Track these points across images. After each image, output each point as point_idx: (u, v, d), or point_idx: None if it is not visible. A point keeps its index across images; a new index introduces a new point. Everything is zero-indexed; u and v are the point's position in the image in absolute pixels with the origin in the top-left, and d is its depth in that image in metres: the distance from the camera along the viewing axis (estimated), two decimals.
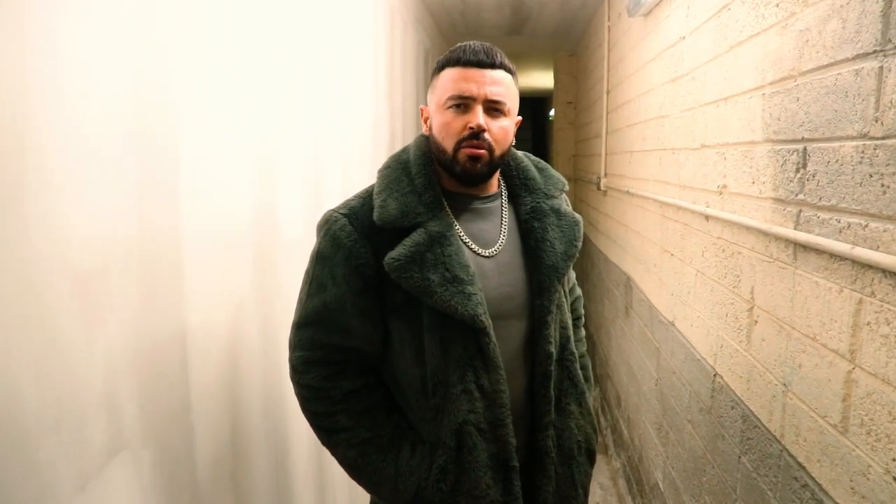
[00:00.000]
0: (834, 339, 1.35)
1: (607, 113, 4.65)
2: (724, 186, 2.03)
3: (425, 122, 1.49)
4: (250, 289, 1.76)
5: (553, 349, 1.48)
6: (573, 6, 5.21)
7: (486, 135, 1.37)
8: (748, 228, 1.82)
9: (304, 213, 2.15)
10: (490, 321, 1.37)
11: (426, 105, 1.50)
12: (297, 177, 2.12)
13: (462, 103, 1.38)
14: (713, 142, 2.16)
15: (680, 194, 2.59)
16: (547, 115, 13.27)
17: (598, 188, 4.80)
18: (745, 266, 1.85)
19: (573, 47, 7.30)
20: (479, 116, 1.36)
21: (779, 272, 1.63)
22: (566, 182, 1.63)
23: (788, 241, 1.56)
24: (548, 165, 1.64)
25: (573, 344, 1.58)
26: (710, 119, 2.20)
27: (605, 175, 4.66)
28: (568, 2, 5.10)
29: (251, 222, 1.75)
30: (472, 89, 1.37)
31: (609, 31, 4.60)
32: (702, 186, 2.28)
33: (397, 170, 1.46)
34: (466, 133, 1.37)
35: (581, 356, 1.68)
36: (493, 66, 1.40)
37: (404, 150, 1.52)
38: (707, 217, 2.20)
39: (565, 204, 1.59)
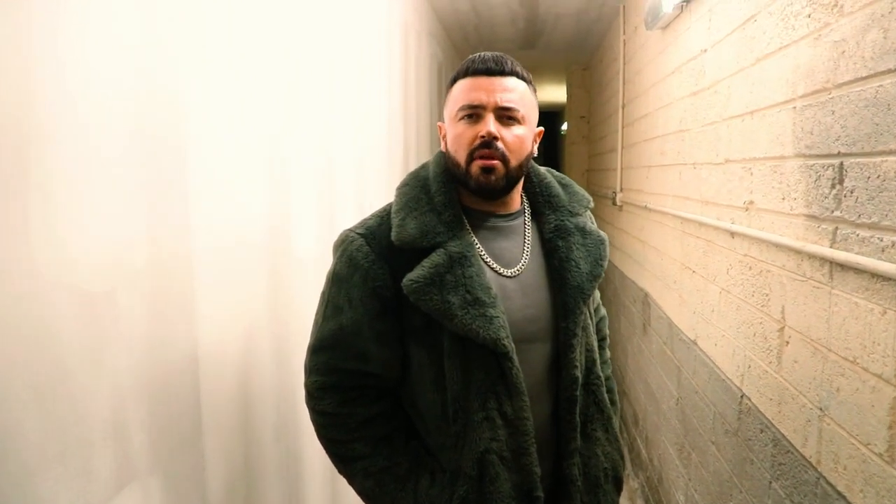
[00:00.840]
0: (877, 363, 1.28)
1: (623, 127, 4.60)
2: (751, 202, 1.97)
3: (443, 138, 1.43)
4: (264, 309, 1.71)
5: (579, 373, 1.41)
6: (588, 20, 5.18)
7: (499, 143, 1.31)
8: (778, 246, 1.75)
9: (317, 229, 2.11)
10: (513, 345, 1.31)
11: (443, 122, 1.45)
12: (309, 193, 2.07)
13: (473, 113, 1.32)
14: (738, 156, 2.10)
15: (702, 210, 2.52)
16: (559, 130, 13.25)
17: (614, 203, 4.74)
18: (775, 285, 1.78)
19: (587, 61, 7.27)
20: (489, 124, 1.30)
21: (813, 291, 1.56)
22: (591, 199, 1.57)
23: (824, 260, 1.50)
24: (572, 181, 1.58)
25: (599, 367, 1.51)
26: (734, 133, 2.14)
27: (621, 190, 4.60)
28: (583, 15, 5.06)
29: (264, 240, 1.70)
30: (481, 98, 1.32)
31: (625, 44, 4.56)
32: (726, 202, 2.21)
33: (416, 187, 1.40)
34: (478, 143, 1.31)
35: (606, 379, 1.61)
36: (503, 73, 1.34)
37: (423, 167, 1.46)
38: (732, 234, 2.14)
39: (590, 222, 1.53)
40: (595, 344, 1.52)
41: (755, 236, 1.90)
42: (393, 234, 1.32)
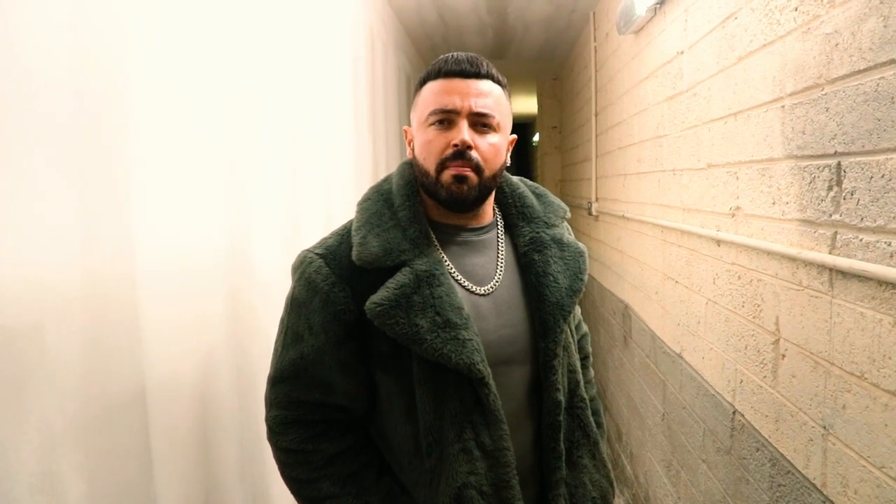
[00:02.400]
0: (889, 379, 1.18)
1: (596, 136, 4.52)
2: (738, 208, 1.88)
3: (409, 144, 1.32)
4: (222, 335, 1.57)
5: (561, 397, 1.31)
6: (558, 27, 5.11)
7: (473, 152, 1.21)
8: (770, 253, 1.66)
9: (281, 247, 1.98)
10: (489, 369, 1.20)
11: (410, 126, 1.33)
12: (273, 207, 1.94)
13: (445, 118, 1.22)
14: (722, 161, 2.01)
15: (684, 217, 2.43)
16: (530, 141, 13.22)
17: (590, 213, 4.66)
18: (768, 294, 1.69)
19: (557, 71, 7.22)
20: (463, 132, 1.20)
21: (810, 301, 1.46)
22: (567, 209, 1.46)
23: (822, 267, 1.40)
24: (546, 191, 1.48)
25: (583, 388, 1.40)
26: (717, 137, 2.05)
27: (597, 200, 4.52)
28: (553, 23, 4.99)
29: (221, 259, 1.57)
30: (454, 102, 1.21)
31: (596, 51, 4.49)
32: (710, 209, 2.12)
33: (378, 202, 1.29)
34: (450, 151, 1.20)
35: (591, 400, 1.50)
36: (478, 75, 1.24)
37: (386, 180, 1.35)
38: (718, 242, 2.05)
39: (567, 233, 1.43)
40: (577, 364, 1.41)
41: (744, 244, 1.81)
42: (354, 253, 1.20)
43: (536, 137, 9.36)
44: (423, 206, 1.29)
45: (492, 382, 1.20)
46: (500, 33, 5.33)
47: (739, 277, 1.88)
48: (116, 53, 1.16)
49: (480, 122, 1.22)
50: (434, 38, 5.40)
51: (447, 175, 1.21)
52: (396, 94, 4.52)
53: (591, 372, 1.60)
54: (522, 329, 1.29)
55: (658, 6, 2.72)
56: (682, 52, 2.43)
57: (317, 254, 1.23)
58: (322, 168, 2.52)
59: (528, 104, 9.84)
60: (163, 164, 1.31)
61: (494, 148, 1.24)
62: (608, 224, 4.17)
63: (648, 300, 3.08)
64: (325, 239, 1.27)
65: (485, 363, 1.19)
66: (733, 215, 1.92)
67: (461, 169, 1.20)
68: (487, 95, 1.23)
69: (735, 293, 1.92)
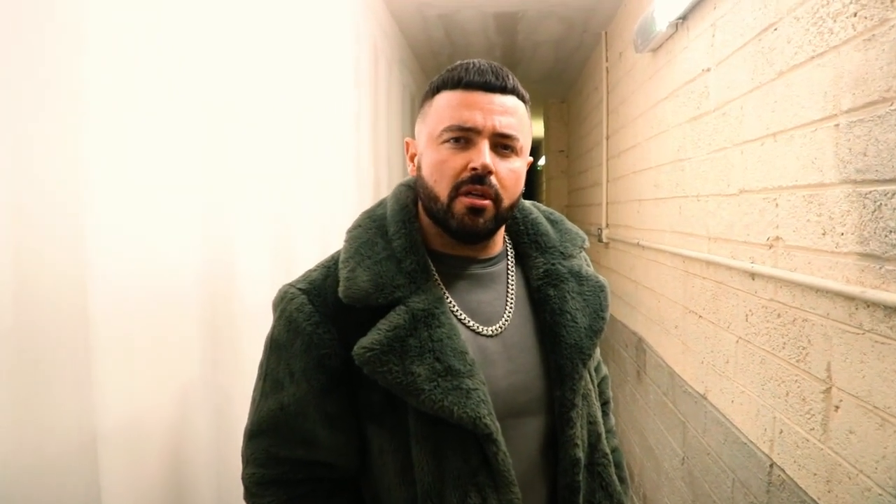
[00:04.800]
0: None
1: (607, 160, 4.36)
2: (777, 238, 1.69)
3: (412, 159, 1.14)
4: (197, 372, 1.39)
5: (580, 453, 1.12)
6: (568, 47, 4.97)
7: (493, 178, 1.03)
8: (819, 290, 1.47)
9: (271, 274, 1.79)
10: (497, 424, 1.02)
11: (413, 138, 1.15)
12: (262, 224, 1.76)
13: (463, 136, 1.03)
14: (757, 186, 1.82)
15: (710, 247, 2.25)
16: (535, 165, 13.10)
17: (600, 240, 4.48)
18: (817, 337, 1.50)
19: (565, 93, 7.10)
20: (484, 154, 1.02)
21: (875, 348, 1.27)
22: (585, 237, 1.28)
23: (891, 309, 1.21)
24: (562, 217, 1.30)
25: (604, 442, 1.21)
26: (751, 159, 1.87)
27: (607, 226, 4.34)
28: (563, 43, 4.85)
29: (198, 280, 1.39)
30: (476, 119, 1.03)
31: (607, 72, 4.34)
32: (743, 238, 1.94)
33: (370, 229, 1.11)
34: (467, 175, 1.02)
35: (613, 450, 1.31)
36: (503, 90, 1.06)
37: (380, 204, 1.18)
38: (752, 275, 1.86)
39: (585, 264, 1.25)
40: (598, 414, 1.21)
41: (785, 278, 1.62)
42: (340, 288, 1.02)
43: (542, 161, 9.23)
44: (421, 233, 1.11)
45: (500, 438, 1.02)
46: (508, 54, 5.19)
47: (779, 315, 1.69)
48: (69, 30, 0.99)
49: (502, 144, 1.05)
50: (440, 57, 5.26)
51: (460, 205, 1.03)
52: (400, 112, 4.37)
53: (613, 419, 1.41)
54: (536, 375, 1.11)
55: (680, 22, 2.56)
56: (708, 70, 2.26)
57: (299, 289, 1.05)
58: (320, 184, 2.35)
59: (533, 127, 9.73)
60: (126, 174, 1.14)
61: (515, 174, 1.07)
62: (620, 252, 3.98)
63: (666, 334, 2.89)
64: (310, 272, 1.09)
65: (492, 416, 1.01)
66: (771, 246, 1.73)
67: (478, 200, 1.03)
68: (512, 114, 1.05)
69: (773, 332, 1.73)
